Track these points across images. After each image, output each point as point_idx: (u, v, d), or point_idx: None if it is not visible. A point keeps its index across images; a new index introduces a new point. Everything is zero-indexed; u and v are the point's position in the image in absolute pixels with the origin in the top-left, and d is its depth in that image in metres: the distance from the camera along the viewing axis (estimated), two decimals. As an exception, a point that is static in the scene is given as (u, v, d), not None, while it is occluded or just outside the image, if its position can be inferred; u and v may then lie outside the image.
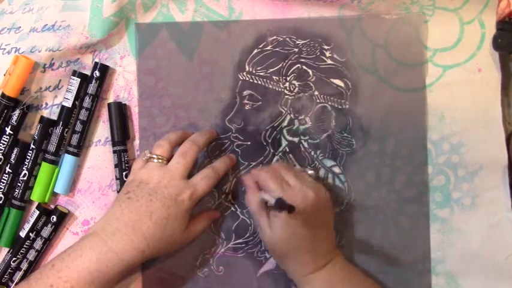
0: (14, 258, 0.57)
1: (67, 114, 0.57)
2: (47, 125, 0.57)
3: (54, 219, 0.57)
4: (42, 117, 0.57)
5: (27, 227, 0.57)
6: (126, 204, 0.52)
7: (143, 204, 0.52)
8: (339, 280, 0.54)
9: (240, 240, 0.59)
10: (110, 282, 0.51)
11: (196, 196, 0.54)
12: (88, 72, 0.58)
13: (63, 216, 0.58)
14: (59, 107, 0.58)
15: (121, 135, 0.58)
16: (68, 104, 0.57)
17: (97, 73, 0.57)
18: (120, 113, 0.58)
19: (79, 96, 0.57)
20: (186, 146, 0.55)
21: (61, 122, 0.57)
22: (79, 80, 0.57)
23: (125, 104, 0.59)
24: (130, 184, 0.54)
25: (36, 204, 0.58)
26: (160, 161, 0.54)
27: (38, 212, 0.57)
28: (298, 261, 0.54)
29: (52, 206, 0.59)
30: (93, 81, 0.57)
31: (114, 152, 0.58)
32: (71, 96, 0.57)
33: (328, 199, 0.55)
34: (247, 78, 0.60)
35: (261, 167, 0.58)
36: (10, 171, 0.56)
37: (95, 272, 0.49)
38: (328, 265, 0.54)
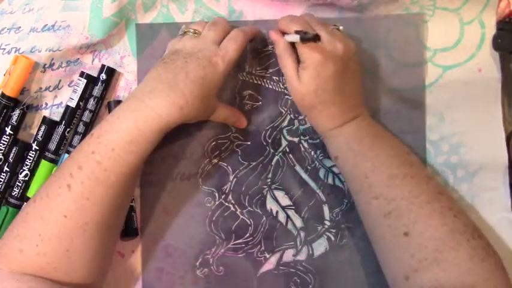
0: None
1: (70, 114, 0.57)
2: (51, 126, 0.57)
3: None
4: (44, 118, 0.57)
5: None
6: (162, 67, 0.52)
7: (179, 65, 0.51)
8: (366, 135, 0.54)
9: (240, 240, 0.59)
10: (148, 141, 0.49)
11: (228, 58, 0.53)
12: (90, 73, 0.58)
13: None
14: (59, 107, 0.58)
15: (121, 135, 0.58)
16: (73, 104, 0.57)
17: (103, 76, 0.58)
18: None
19: (84, 97, 0.57)
20: (216, 19, 0.57)
21: (63, 122, 0.57)
22: (85, 81, 0.57)
23: (125, 104, 0.59)
24: (165, 55, 0.54)
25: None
26: (196, 34, 0.55)
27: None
28: (325, 114, 0.54)
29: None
30: (99, 83, 0.57)
31: (114, 152, 0.58)
32: (76, 97, 0.57)
33: (357, 52, 0.55)
34: (247, 79, 0.60)
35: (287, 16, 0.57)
36: (8, 170, 0.56)
37: (133, 130, 0.48)
38: (355, 120, 0.54)
